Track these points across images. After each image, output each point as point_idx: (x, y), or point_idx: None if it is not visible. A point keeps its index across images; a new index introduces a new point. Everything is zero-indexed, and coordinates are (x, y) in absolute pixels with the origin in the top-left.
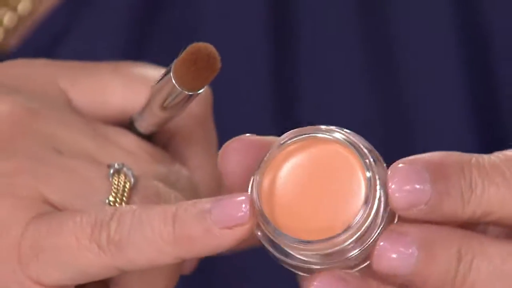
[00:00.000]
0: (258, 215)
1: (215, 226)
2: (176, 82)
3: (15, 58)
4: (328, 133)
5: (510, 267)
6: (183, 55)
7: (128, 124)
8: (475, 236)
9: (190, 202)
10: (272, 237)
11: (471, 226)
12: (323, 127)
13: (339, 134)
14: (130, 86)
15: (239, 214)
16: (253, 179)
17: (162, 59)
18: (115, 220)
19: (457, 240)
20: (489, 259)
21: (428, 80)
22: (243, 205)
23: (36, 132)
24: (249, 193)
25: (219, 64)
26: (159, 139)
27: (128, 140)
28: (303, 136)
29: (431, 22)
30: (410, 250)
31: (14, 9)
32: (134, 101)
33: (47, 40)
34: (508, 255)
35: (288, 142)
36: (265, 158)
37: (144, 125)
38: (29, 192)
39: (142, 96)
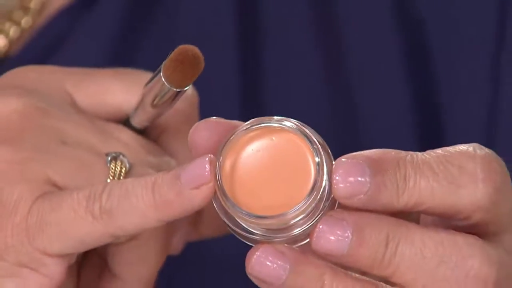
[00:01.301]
0: (218, 191)
1: (185, 188)
2: (165, 80)
3: (15, 64)
4: (285, 123)
5: (430, 251)
6: (171, 56)
7: (124, 121)
8: (403, 224)
9: (165, 172)
10: (229, 211)
11: (405, 215)
12: (282, 118)
13: (295, 124)
14: (127, 88)
15: (204, 173)
16: (217, 158)
17: (151, 62)
18: (106, 193)
19: (386, 227)
20: (412, 244)
21: (372, 79)
22: (206, 166)
23: (44, 127)
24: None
25: (203, 64)
26: (151, 134)
27: (125, 134)
28: (264, 124)
29: (374, 23)
30: (345, 234)
31: (18, 23)
32: (130, 101)
33: (43, 48)
34: (429, 240)
35: (250, 128)
36: (228, 141)
37: (138, 121)
38: (36, 175)
39: (136, 97)
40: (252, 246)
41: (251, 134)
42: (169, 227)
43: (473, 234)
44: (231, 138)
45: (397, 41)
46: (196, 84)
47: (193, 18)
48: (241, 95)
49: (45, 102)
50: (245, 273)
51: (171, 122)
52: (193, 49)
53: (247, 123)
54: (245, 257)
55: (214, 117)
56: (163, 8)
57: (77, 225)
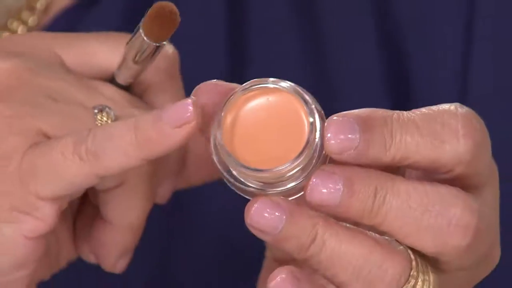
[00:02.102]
0: (218, 145)
1: (167, 126)
2: (144, 36)
3: None
4: (281, 84)
5: (415, 201)
6: (149, 12)
7: (110, 79)
8: (390, 177)
9: (147, 112)
10: (228, 164)
11: (392, 170)
12: (277, 79)
13: (290, 85)
14: (112, 49)
15: (186, 114)
16: (216, 119)
17: None
18: (91, 136)
19: (374, 179)
20: (398, 195)
21: (351, 64)
22: (189, 107)
23: (33, 84)
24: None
25: (179, 18)
26: (136, 91)
27: (111, 90)
28: (261, 85)
29: (353, 12)
30: (337, 186)
31: (26, 23)
32: (115, 61)
33: None
34: (414, 191)
35: (249, 88)
36: (228, 100)
37: (122, 78)
38: (27, 127)
39: (121, 56)
40: (248, 199)
41: (250, 94)
42: (154, 175)
43: (455, 187)
44: (231, 97)
45: (373, 21)
46: (188, 79)
47: (187, 17)
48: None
49: (34, 63)
50: (235, 223)
51: (154, 79)
52: (169, 5)
53: (245, 83)
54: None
55: (215, 80)
56: None
57: (66, 167)
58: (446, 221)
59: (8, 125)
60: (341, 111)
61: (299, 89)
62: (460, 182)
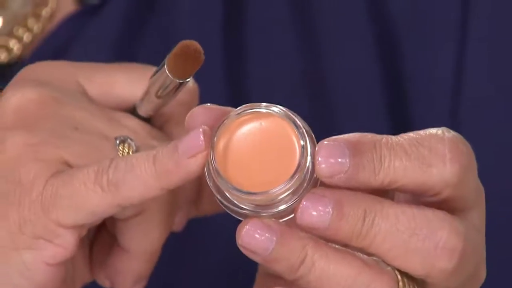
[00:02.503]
0: (211, 169)
1: (182, 157)
2: (168, 72)
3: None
4: (273, 109)
5: (402, 224)
6: (174, 50)
7: (131, 110)
8: (378, 200)
9: (164, 145)
10: (222, 187)
11: (381, 193)
12: (270, 104)
13: (282, 110)
14: (133, 80)
15: (198, 143)
16: (211, 140)
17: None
18: (113, 167)
19: (363, 203)
20: (387, 218)
21: (349, 65)
22: (200, 136)
23: (58, 114)
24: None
25: (203, 57)
26: (156, 123)
27: (131, 121)
28: (254, 110)
29: (348, 12)
30: (327, 209)
31: (31, 29)
32: (136, 92)
33: (52, 52)
34: (402, 215)
35: (241, 113)
36: (221, 124)
37: (143, 110)
38: (50, 156)
39: (142, 88)
40: (241, 221)
41: (242, 118)
42: (172, 205)
43: (442, 210)
44: (224, 122)
45: (368, 24)
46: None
47: (186, 25)
48: (226, 88)
49: (59, 92)
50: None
51: (174, 111)
52: (194, 43)
53: (238, 108)
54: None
55: (209, 104)
56: (159, 14)
57: (88, 197)
58: (433, 244)
59: (33, 152)
60: (336, 111)
61: (290, 113)
62: (447, 205)
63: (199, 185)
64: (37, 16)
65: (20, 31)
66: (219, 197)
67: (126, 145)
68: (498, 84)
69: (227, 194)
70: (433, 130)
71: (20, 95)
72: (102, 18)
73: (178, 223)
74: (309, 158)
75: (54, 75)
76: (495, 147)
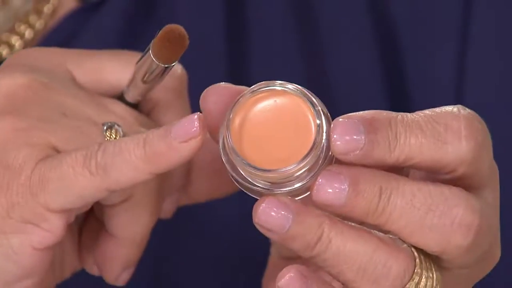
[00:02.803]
0: (227, 146)
1: (175, 141)
2: (153, 57)
3: None
4: (288, 87)
5: (419, 201)
6: (159, 34)
7: (119, 96)
8: (394, 177)
9: (156, 128)
10: (236, 164)
11: (397, 170)
12: (284, 82)
13: (297, 88)
14: (122, 67)
15: (192, 129)
16: (225, 120)
17: None
18: (101, 150)
19: (379, 179)
20: (403, 195)
21: (350, 65)
22: (195, 122)
23: (46, 99)
24: (222, 127)
25: (187, 41)
26: (144, 109)
27: (119, 107)
28: (269, 87)
29: (351, 18)
30: (343, 186)
31: (33, 26)
32: (124, 79)
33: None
34: (418, 191)
35: (257, 91)
36: (237, 102)
37: (131, 96)
38: (39, 141)
39: (130, 74)
40: (255, 199)
41: (258, 96)
42: (160, 191)
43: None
44: (239, 99)
45: (370, 24)
46: (189, 80)
47: (187, 23)
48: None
49: (47, 78)
50: (230, 237)
51: (162, 97)
52: (179, 28)
53: (253, 86)
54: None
55: (223, 83)
56: (160, 11)
57: (76, 181)
58: (449, 220)
59: (21, 137)
60: (339, 110)
61: (306, 91)
62: (462, 182)
63: (188, 172)
64: (39, 12)
65: (22, 28)
66: (234, 174)
67: (113, 130)
68: (499, 85)
69: (241, 172)
70: (448, 108)
71: (9, 80)
72: (103, 15)
73: (167, 210)
74: (324, 135)
75: (43, 61)
76: (496, 148)
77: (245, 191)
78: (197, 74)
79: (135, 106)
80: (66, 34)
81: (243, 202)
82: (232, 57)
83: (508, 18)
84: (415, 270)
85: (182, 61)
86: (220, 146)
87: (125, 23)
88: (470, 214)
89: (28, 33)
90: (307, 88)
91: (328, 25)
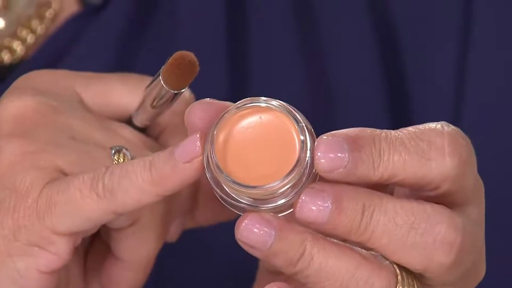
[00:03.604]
0: (211, 162)
1: (179, 163)
2: (163, 83)
3: (29, 66)
4: (272, 103)
5: (401, 218)
6: (169, 61)
7: (127, 120)
8: (377, 194)
9: (160, 151)
10: (220, 181)
11: (381, 188)
12: (269, 98)
13: (281, 105)
14: (130, 91)
15: (195, 149)
16: (209, 136)
17: (149, 69)
18: (108, 173)
19: (362, 197)
20: (386, 212)
21: (350, 65)
22: (196, 142)
23: (55, 123)
24: (207, 144)
25: (198, 68)
26: (152, 133)
27: (127, 131)
28: (253, 104)
29: (351, 19)
30: (326, 204)
31: (35, 31)
32: (133, 103)
33: (54, 52)
34: (401, 209)
35: (241, 107)
36: (221, 118)
37: (139, 120)
38: (46, 164)
39: (139, 98)
40: (240, 215)
41: (242, 112)
42: (167, 215)
43: (441, 204)
44: (224, 115)
45: (370, 24)
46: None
47: (188, 24)
48: (229, 87)
49: (56, 101)
50: (232, 258)
51: (170, 122)
52: (189, 55)
53: (238, 102)
54: (231, 245)
55: (208, 98)
56: (161, 16)
57: (83, 204)
58: (431, 238)
59: (29, 160)
60: (338, 111)
61: (290, 108)
62: (446, 199)
63: (194, 195)
64: (40, 17)
65: (23, 33)
66: (218, 191)
67: (121, 154)
68: (499, 85)
69: (225, 188)
70: (432, 124)
71: (18, 102)
72: (104, 19)
73: (173, 233)
74: (308, 152)
75: (51, 83)
76: (497, 148)
77: (229, 207)
78: (197, 76)
79: (143, 130)
80: (67, 39)
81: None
82: (233, 58)
83: (508, 18)
84: (397, 287)
85: None
86: (204, 162)
87: (126, 27)
88: (453, 232)
89: (30, 38)
90: (306, 89)
91: (328, 25)
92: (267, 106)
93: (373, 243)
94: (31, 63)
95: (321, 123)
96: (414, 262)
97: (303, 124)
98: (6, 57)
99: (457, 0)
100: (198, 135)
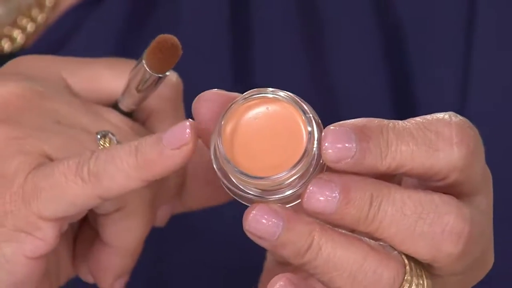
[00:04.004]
0: (218, 153)
1: (166, 148)
2: (147, 67)
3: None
4: (279, 94)
5: (409, 208)
6: (152, 44)
7: (113, 105)
8: (385, 184)
9: (148, 136)
10: (228, 171)
11: (388, 178)
12: (276, 89)
13: (288, 95)
14: (117, 75)
15: (184, 136)
16: (217, 127)
17: None
18: (93, 158)
19: (370, 187)
20: (393, 202)
21: (354, 65)
22: (187, 129)
23: (40, 108)
24: (214, 134)
25: (180, 51)
26: (138, 118)
27: (114, 116)
28: (261, 94)
29: (354, 14)
30: (333, 194)
31: (35, 19)
32: (119, 87)
33: (55, 42)
34: (409, 199)
35: (248, 98)
36: (228, 108)
37: (125, 105)
38: (32, 149)
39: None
40: (247, 206)
41: (249, 103)
42: (154, 199)
43: (449, 194)
44: (231, 106)
45: (374, 24)
46: (192, 80)
47: (190, 16)
48: (233, 86)
49: (42, 86)
50: (229, 246)
51: (157, 106)
52: (172, 38)
53: (245, 93)
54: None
55: (215, 89)
56: (162, 7)
57: (68, 189)
58: (439, 228)
59: (14, 146)
60: (342, 111)
61: (297, 99)
62: (454, 189)
63: (183, 180)
64: (41, 6)
65: (24, 21)
66: (225, 181)
67: (107, 139)
68: (505, 86)
69: (232, 179)
70: (439, 115)
71: (2, 88)
72: (105, 9)
73: (161, 218)
74: (315, 143)
75: (37, 69)
76: (500, 148)
77: (236, 198)
78: (200, 75)
79: (129, 115)
80: (67, 29)
81: (239, 205)
82: (236, 58)
83: None
84: (405, 278)
85: (184, 62)
86: (212, 153)
87: (126, 18)
88: (461, 222)
89: (30, 27)
90: (310, 89)
91: (332, 25)
92: (274, 96)
93: (381, 233)
94: (30, 52)
95: (325, 123)
96: (422, 252)
97: (311, 115)
98: (6, 46)
99: (462, 0)
100: (188, 123)
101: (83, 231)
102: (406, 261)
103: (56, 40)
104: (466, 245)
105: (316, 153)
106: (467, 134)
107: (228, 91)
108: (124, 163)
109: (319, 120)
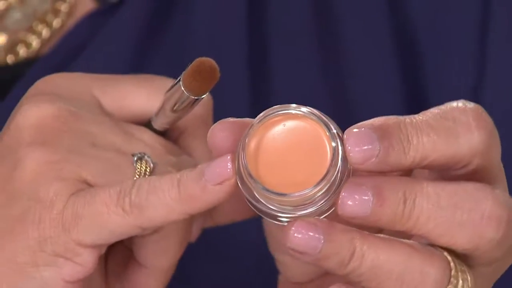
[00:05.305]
0: (243, 171)
1: (208, 184)
2: (184, 89)
3: (46, 62)
4: (302, 110)
5: (444, 200)
6: (190, 67)
7: (146, 124)
8: (416, 181)
9: (189, 169)
10: (253, 189)
11: (406, 174)
12: (298, 105)
13: (312, 111)
14: (148, 94)
15: (226, 171)
16: (241, 144)
17: (164, 69)
18: (135, 188)
19: (402, 185)
20: (428, 197)
21: (368, 72)
22: (228, 164)
23: (76, 130)
24: (237, 155)
25: (218, 74)
26: (171, 136)
27: (147, 135)
28: (284, 111)
29: (369, 20)
30: (366, 197)
31: (50, 24)
32: (151, 106)
33: (71, 49)
34: (442, 191)
35: (271, 114)
36: (252, 126)
37: (159, 124)
38: (70, 174)
39: (157, 101)
40: (261, 219)
41: (272, 119)
42: (190, 220)
43: None
44: (254, 123)
45: (389, 28)
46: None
47: (206, 25)
48: (250, 95)
49: (75, 106)
50: (247, 258)
51: (189, 124)
52: (210, 61)
53: (267, 110)
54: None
55: (229, 118)
56: (178, 15)
57: (109, 218)
58: (478, 215)
59: (52, 171)
60: (356, 110)
61: (320, 114)
62: (475, 177)
63: None
64: (56, 11)
65: (39, 27)
66: (249, 198)
67: (143, 162)
68: None
69: (257, 195)
70: (453, 103)
71: (37, 110)
72: (121, 17)
73: (193, 234)
74: (340, 157)
75: (68, 88)
76: None
77: (261, 214)
78: (217, 84)
79: (162, 133)
80: (83, 36)
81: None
82: (252, 66)
83: None
84: (452, 274)
85: None
86: (236, 170)
87: (143, 26)
88: (499, 207)
89: (45, 32)
90: (326, 93)
91: (347, 24)
92: (297, 113)
93: (419, 229)
94: (47, 60)
95: (338, 121)
96: (463, 241)
97: (335, 131)
98: (22, 51)
99: (476, 1)
100: (229, 157)
101: (116, 249)
102: (449, 257)
103: (72, 48)
104: (506, 228)
105: (340, 167)
106: (483, 118)
107: (245, 100)
108: (166, 196)
109: (342, 133)
